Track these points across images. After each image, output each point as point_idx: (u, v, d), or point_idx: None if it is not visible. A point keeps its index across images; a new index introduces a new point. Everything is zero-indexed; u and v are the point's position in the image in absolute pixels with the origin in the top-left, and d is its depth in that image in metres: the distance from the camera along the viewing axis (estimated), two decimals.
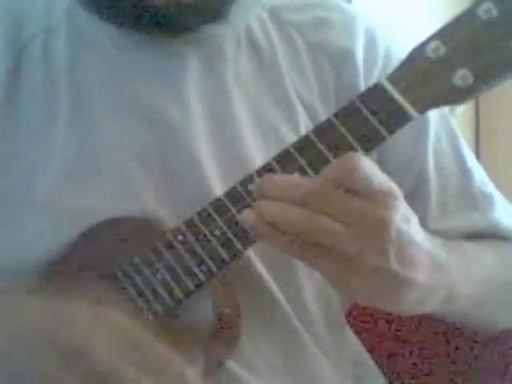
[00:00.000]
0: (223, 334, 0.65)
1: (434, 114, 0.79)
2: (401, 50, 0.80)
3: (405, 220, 0.60)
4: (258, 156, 0.72)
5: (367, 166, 0.58)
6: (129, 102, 0.73)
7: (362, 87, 0.76)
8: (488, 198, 0.80)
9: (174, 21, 0.70)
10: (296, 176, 0.60)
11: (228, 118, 0.73)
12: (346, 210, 0.57)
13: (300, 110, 0.75)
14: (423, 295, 0.62)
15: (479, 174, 0.81)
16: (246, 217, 0.59)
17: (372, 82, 0.77)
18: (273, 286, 0.72)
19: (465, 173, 0.80)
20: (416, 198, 0.61)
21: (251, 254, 0.70)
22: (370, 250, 0.58)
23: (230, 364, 0.68)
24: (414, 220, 0.62)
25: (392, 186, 0.59)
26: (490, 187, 0.81)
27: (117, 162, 0.71)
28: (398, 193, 0.59)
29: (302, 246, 0.58)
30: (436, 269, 0.63)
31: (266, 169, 0.62)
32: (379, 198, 0.58)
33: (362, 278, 0.58)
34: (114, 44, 0.74)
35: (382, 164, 0.59)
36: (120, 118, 0.72)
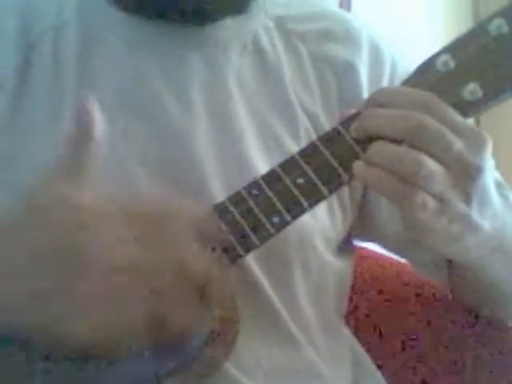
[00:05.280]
0: (221, 336, 0.65)
1: None
2: (406, 61, 0.79)
3: (489, 170, 0.61)
4: (258, 159, 0.72)
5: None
6: (134, 102, 0.73)
7: None
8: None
9: (199, 8, 0.71)
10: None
11: (230, 122, 0.73)
12: (446, 150, 0.58)
13: (303, 118, 0.75)
14: (482, 241, 0.64)
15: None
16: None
17: None
18: (269, 290, 0.72)
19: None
20: None
21: (249, 259, 0.70)
22: (459, 197, 0.60)
23: (226, 366, 0.68)
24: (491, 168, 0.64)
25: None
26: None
27: (120, 162, 0.71)
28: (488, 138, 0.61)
29: (396, 184, 0.59)
30: (496, 218, 0.64)
31: (272, 174, 0.63)
32: (473, 141, 0.59)
33: (443, 224, 0.60)
34: (123, 43, 0.75)
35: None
36: (125, 119, 0.72)
